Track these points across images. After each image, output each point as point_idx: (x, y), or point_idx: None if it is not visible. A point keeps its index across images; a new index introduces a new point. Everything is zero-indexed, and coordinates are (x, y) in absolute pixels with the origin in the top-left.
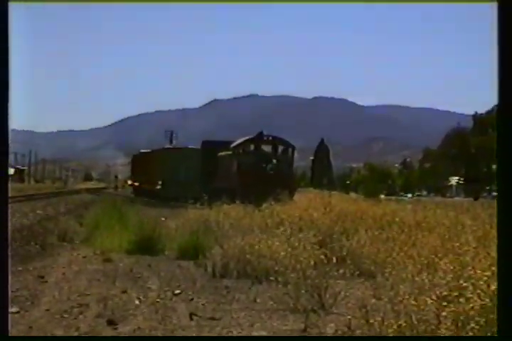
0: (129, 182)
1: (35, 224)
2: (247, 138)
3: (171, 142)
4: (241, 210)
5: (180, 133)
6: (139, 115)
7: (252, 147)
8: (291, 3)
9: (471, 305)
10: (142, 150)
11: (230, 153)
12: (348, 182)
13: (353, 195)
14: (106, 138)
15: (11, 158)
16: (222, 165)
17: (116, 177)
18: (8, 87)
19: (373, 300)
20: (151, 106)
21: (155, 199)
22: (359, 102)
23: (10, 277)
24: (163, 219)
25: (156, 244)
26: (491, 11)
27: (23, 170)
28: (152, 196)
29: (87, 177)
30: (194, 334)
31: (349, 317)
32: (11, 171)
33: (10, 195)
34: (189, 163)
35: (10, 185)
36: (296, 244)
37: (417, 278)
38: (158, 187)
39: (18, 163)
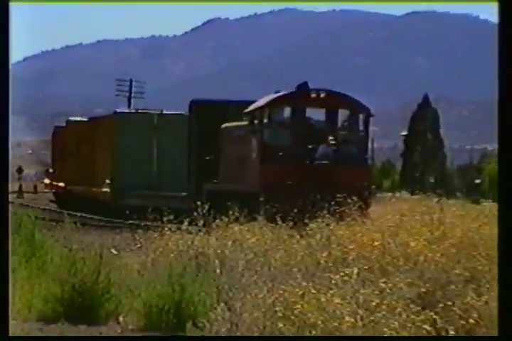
0: (46, 180)
1: None
2: (277, 94)
3: (129, 103)
4: (267, 235)
5: (150, 85)
6: (69, 47)
7: (287, 112)
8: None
9: None
10: (73, 119)
11: (244, 124)
12: (477, 181)
13: (487, 205)
14: None
15: None
16: (230, 147)
17: (19, 170)
18: (9, 86)
19: None
20: (98, 32)
21: (99, 212)
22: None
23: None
24: (114, 252)
25: (99, 301)
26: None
27: None
28: (93, 207)
29: None
30: None
31: None
32: None
33: None
34: (165, 144)
35: None
36: (376, 301)
37: None
38: (105, 189)
39: None
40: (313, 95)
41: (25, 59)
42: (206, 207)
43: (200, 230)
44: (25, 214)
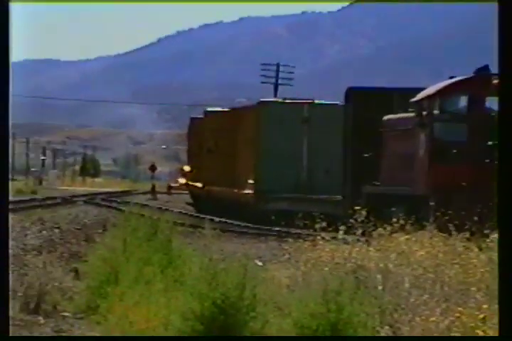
0: (181, 180)
1: None
2: (451, 80)
3: (275, 90)
4: (438, 247)
5: (299, 69)
6: (208, 26)
7: (463, 102)
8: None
9: None
10: (211, 109)
11: (410, 116)
12: None
13: None
14: (122, 80)
15: None
16: (393, 143)
17: (152, 167)
18: (9, 86)
19: None
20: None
21: (241, 217)
22: None
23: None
24: (259, 263)
25: (244, 320)
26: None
27: None
28: (234, 211)
29: (87, 168)
30: None
31: None
32: None
33: None
34: (317, 139)
35: None
36: None
37: None
38: (248, 191)
39: None
40: (496, 82)
41: (159, 40)
42: (365, 212)
43: (358, 240)
44: (161, 218)
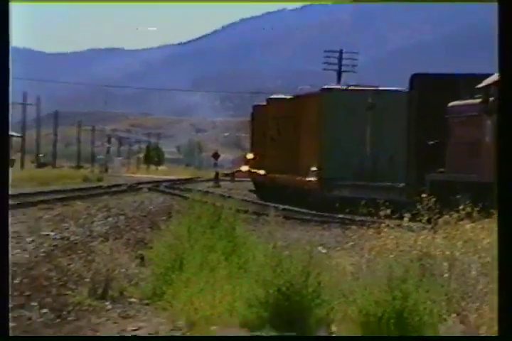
0: (244, 167)
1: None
2: None
3: (339, 77)
4: None
5: (363, 56)
6: (271, 14)
7: None
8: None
9: None
10: (274, 97)
11: (476, 102)
12: None
13: None
14: (183, 68)
15: None
16: (459, 130)
17: (215, 155)
18: (9, 86)
19: None
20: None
21: (304, 204)
22: None
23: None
24: (322, 250)
25: (309, 306)
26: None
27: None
28: (298, 198)
29: (151, 156)
30: None
31: None
32: None
33: None
34: (381, 126)
35: None
36: None
37: None
38: (311, 178)
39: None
40: None
41: (223, 28)
42: (431, 200)
43: (424, 227)
44: (224, 205)
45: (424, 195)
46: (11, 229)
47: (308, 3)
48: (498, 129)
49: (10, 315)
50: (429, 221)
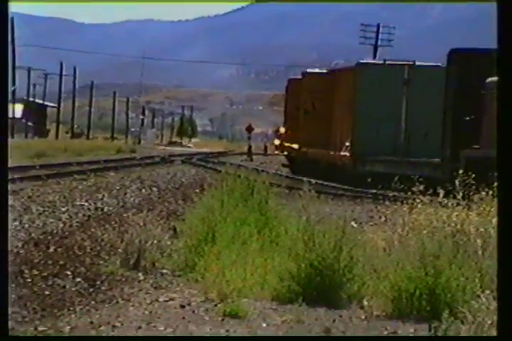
0: (277, 141)
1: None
2: None
3: (375, 52)
4: None
5: (400, 30)
6: None
7: None
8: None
9: None
10: (309, 71)
11: None
12: None
13: None
14: (219, 41)
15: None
16: (496, 106)
17: (248, 128)
18: (8, 84)
19: None
20: None
21: (337, 179)
22: None
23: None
24: (354, 225)
25: (340, 281)
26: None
27: (44, 108)
28: (330, 173)
29: (185, 128)
30: None
31: None
32: (19, 109)
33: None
34: (417, 101)
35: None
36: None
37: None
38: (344, 153)
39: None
40: None
41: (257, 0)
42: (466, 176)
43: (458, 204)
44: (257, 179)
45: (459, 172)
46: (46, 198)
47: None
48: (497, 128)
49: (43, 284)
50: (463, 197)
